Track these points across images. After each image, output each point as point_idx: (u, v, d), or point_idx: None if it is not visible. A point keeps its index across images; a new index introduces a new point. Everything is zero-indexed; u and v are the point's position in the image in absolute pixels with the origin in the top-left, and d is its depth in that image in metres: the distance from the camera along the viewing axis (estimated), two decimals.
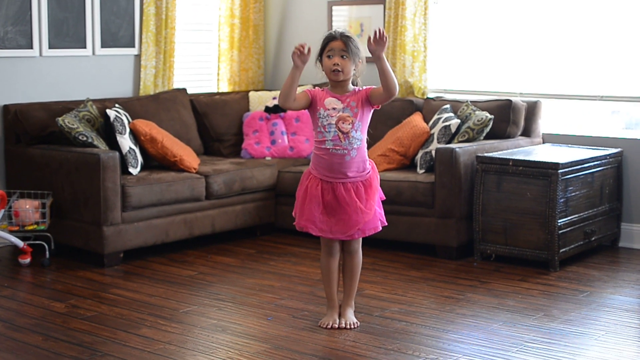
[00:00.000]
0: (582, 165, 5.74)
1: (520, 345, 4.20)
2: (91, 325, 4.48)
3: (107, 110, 6.00)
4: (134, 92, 6.92)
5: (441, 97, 6.79)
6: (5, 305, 4.87)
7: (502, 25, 6.75)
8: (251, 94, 7.24)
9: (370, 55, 4.17)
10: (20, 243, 5.67)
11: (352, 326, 4.44)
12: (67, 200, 5.77)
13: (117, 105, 6.21)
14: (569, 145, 6.31)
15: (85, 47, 6.56)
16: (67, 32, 6.44)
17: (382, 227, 4.42)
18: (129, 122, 6.08)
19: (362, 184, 4.32)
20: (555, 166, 5.50)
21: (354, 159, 4.27)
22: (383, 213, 4.44)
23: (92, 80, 6.65)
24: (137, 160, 5.97)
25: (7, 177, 6.16)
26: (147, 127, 6.12)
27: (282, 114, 6.98)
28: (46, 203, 5.74)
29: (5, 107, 6.10)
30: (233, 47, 7.55)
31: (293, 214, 4.44)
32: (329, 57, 4.25)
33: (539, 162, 5.59)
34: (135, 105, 6.46)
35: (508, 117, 6.26)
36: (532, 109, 6.43)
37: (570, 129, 6.54)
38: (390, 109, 6.71)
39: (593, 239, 5.87)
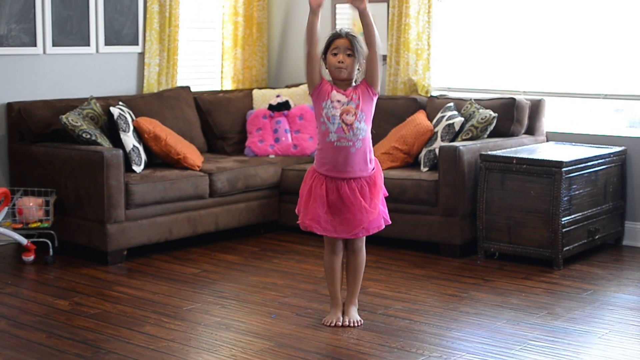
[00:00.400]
0: (586, 164, 5.73)
1: (524, 343, 4.19)
2: (95, 323, 4.48)
3: (111, 108, 6.00)
4: (137, 90, 6.93)
5: (445, 95, 6.78)
6: (9, 302, 4.88)
7: (506, 23, 6.74)
8: (255, 91, 7.24)
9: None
10: (24, 241, 5.68)
11: (356, 324, 4.44)
12: (70, 198, 5.77)
13: (120, 103, 6.21)
14: (573, 143, 6.30)
15: (89, 45, 6.57)
16: (70, 29, 6.44)
17: (386, 225, 4.42)
18: (132, 120, 6.08)
19: (367, 182, 4.31)
20: (559, 164, 5.49)
21: (359, 151, 4.27)
22: (387, 211, 4.44)
23: (96, 78, 6.65)
24: (141, 158, 5.98)
25: (11, 174, 6.17)
26: (150, 125, 6.12)
27: (285, 112, 6.97)
28: (50, 201, 5.74)
29: (9, 104, 6.11)
30: (237, 45, 7.55)
31: (296, 211, 4.44)
32: (334, 54, 4.26)
33: (543, 160, 5.58)
34: (139, 103, 6.47)
35: (512, 116, 6.26)
36: (535, 107, 6.42)
37: (574, 127, 6.53)
38: (394, 107, 6.71)
39: (597, 237, 5.86)
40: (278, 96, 7.06)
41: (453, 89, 6.96)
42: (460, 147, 5.78)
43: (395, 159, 6.27)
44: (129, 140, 5.92)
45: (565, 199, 5.53)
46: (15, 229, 5.72)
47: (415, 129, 6.26)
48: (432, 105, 6.60)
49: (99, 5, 6.56)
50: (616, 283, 5.27)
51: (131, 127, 6.00)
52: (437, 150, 5.99)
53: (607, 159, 5.93)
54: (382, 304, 4.81)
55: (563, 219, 5.51)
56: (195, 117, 6.87)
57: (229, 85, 7.58)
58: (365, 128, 4.28)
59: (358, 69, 4.29)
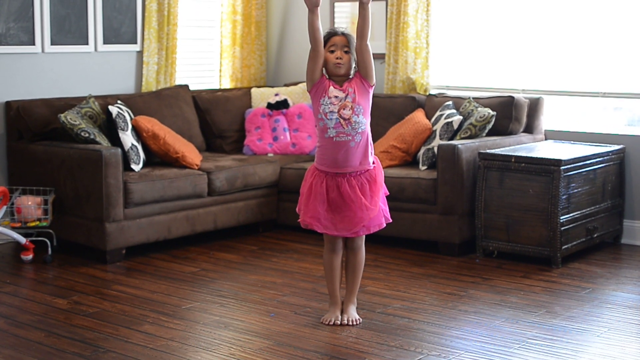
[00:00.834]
0: (585, 162, 5.74)
1: (523, 342, 4.20)
2: (93, 322, 4.48)
3: (110, 107, 6.00)
4: (136, 88, 6.92)
5: (443, 93, 6.78)
6: (8, 301, 4.88)
7: (504, 21, 6.74)
8: (253, 90, 7.23)
9: None
10: (23, 239, 5.68)
11: (355, 323, 4.44)
12: (69, 197, 5.77)
13: (119, 101, 6.21)
14: (571, 141, 6.30)
15: (87, 44, 6.56)
16: (69, 28, 6.43)
17: (386, 223, 4.42)
18: (131, 119, 6.08)
19: (367, 179, 4.32)
20: (557, 163, 5.49)
21: (358, 144, 4.27)
22: (387, 209, 4.44)
23: (95, 77, 6.65)
24: (140, 156, 5.98)
25: (10, 173, 6.16)
26: (149, 123, 6.12)
27: (284, 110, 6.97)
28: (48, 199, 5.74)
29: (8, 103, 6.11)
30: (235, 44, 7.55)
31: (297, 210, 4.44)
32: (331, 51, 4.29)
33: (542, 158, 5.58)
34: (138, 102, 6.46)
35: (510, 114, 6.26)
36: (534, 106, 6.42)
37: (573, 125, 6.53)
38: (393, 105, 6.72)
39: (595, 235, 5.86)
40: (277, 95, 7.06)
41: (452, 88, 6.96)
42: (459, 146, 5.78)
43: (393, 158, 6.27)
44: (128, 139, 5.92)
45: (564, 197, 5.53)
46: (13, 228, 5.72)
47: (413, 127, 6.26)
48: (431, 104, 6.60)
49: (98, 4, 6.56)
50: (615, 281, 5.27)
51: (130, 126, 6.00)
52: (435, 149, 5.99)
53: (605, 157, 5.93)
54: (380, 303, 4.82)
55: (562, 218, 5.52)
56: (194, 116, 6.87)
57: (227, 84, 7.57)
58: (364, 121, 4.28)
59: (354, 66, 4.33)
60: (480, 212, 5.76)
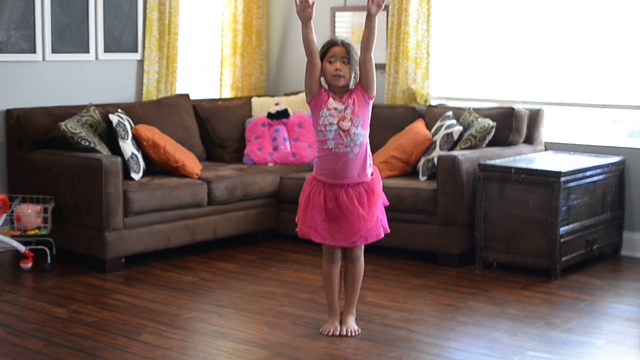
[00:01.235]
0: (584, 174, 5.74)
1: (522, 353, 4.19)
2: (92, 331, 4.48)
3: (110, 115, 6.00)
4: (136, 97, 6.93)
5: (444, 104, 6.79)
6: (7, 310, 4.87)
7: (505, 32, 6.75)
8: (254, 99, 7.24)
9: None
10: (22, 248, 5.68)
11: (353, 333, 4.44)
12: (69, 205, 5.77)
13: (119, 110, 6.22)
14: (571, 153, 6.30)
15: (88, 52, 6.57)
16: (70, 36, 6.44)
17: (385, 234, 4.42)
18: (131, 128, 6.08)
19: (365, 190, 4.32)
20: (557, 174, 5.49)
21: (357, 156, 4.27)
22: (386, 220, 4.44)
23: (95, 85, 6.66)
24: (140, 165, 5.98)
25: (9, 181, 6.16)
26: (149, 132, 6.13)
27: (284, 120, 6.98)
28: (48, 208, 5.74)
29: (8, 111, 6.11)
30: (236, 53, 7.56)
31: (296, 220, 4.44)
32: (330, 62, 4.27)
33: (541, 170, 5.58)
34: (138, 111, 6.47)
35: (510, 125, 6.26)
36: (534, 117, 6.42)
37: (573, 137, 6.54)
38: (393, 116, 6.72)
39: (595, 247, 5.86)
40: (277, 104, 7.06)
41: (452, 98, 6.97)
42: (459, 157, 5.78)
43: (393, 168, 6.27)
44: (128, 147, 5.92)
45: (564, 208, 5.53)
46: (13, 236, 5.72)
47: (413, 137, 6.27)
48: (431, 114, 6.61)
49: (99, 12, 6.57)
50: (614, 293, 5.27)
51: (130, 135, 6.00)
52: (435, 160, 5.99)
53: (605, 169, 5.93)
54: (379, 314, 4.81)
55: (561, 229, 5.51)
56: (194, 125, 6.88)
57: (228, 93, 7.58)
58: (362, 133, 4.28)
59: (354, 77, 4.30)
60: (479, 223, 5.76)
